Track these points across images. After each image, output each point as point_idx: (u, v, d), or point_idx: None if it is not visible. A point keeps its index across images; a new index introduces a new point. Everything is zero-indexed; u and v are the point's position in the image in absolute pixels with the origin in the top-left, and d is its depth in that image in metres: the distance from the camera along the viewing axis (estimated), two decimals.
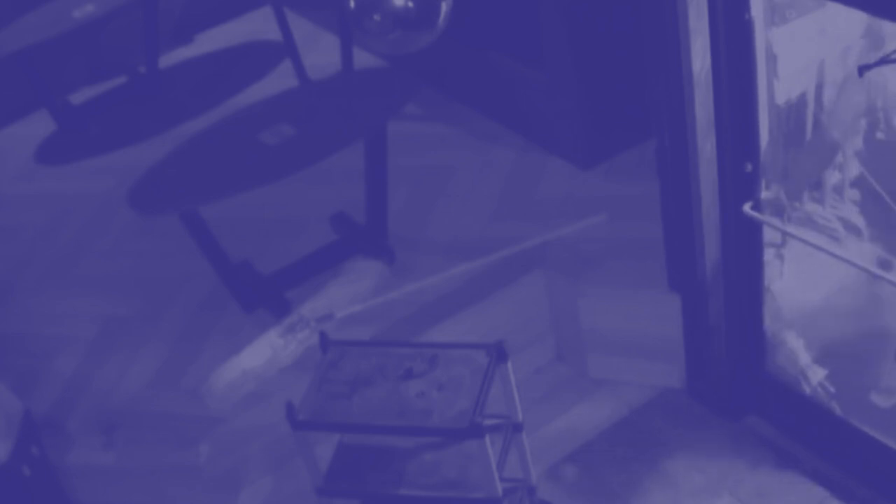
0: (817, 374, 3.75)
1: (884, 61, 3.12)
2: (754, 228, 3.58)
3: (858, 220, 3.51)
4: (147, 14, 5.51)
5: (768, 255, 3.66)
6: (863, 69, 3.13)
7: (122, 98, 5.81)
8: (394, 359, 3.33)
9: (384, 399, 3.23)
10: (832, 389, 3.71)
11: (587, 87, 4.54)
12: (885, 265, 3.39)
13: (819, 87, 3.37)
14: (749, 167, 3.45)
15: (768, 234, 3.61)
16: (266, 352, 4.03)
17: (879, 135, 3.40)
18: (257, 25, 6.14)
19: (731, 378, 3.92)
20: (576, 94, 4.56)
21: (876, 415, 3.63)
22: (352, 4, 4.15)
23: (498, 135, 4.99)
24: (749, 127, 3.39)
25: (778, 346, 3.79)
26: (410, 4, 4.06)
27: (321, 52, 5.64)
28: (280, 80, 5.44)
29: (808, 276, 3.68)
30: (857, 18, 3.19)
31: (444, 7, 4.09)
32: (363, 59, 5.27)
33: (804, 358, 3.76)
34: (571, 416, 4.15)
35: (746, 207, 3.50)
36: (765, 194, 3.51)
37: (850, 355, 3.72)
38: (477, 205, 4.65)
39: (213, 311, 4.40)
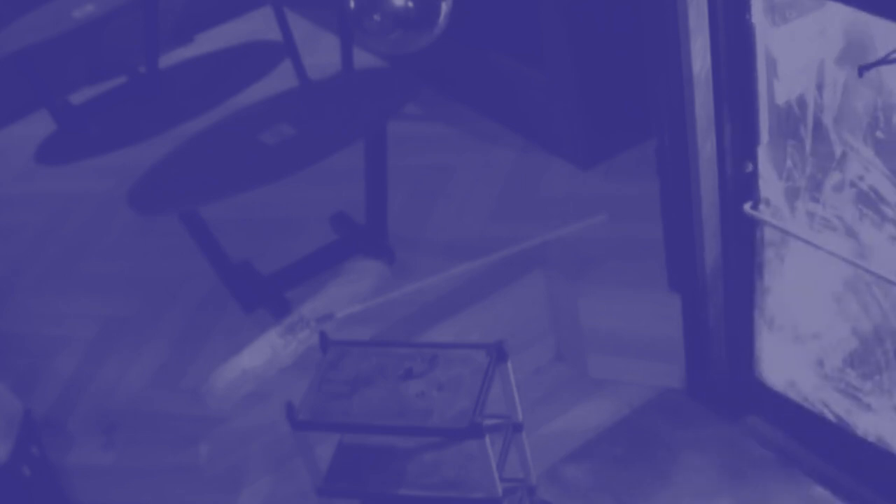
0: (817, 374, 3.74)
1: (884, 61, 3.11)
2: (754, 228, 3.58)
3: (858, 220, 3.51)
4: (147, 14, 5.50)
5: (768, 254, 3.66)
6: (863, 69, 3.12)
7: (122, 98, 5.80)
8: (394, 359, 3.33)
9: (384, 399, 3.23)
10: (832, 389, 3.70)
11: (587, 87, 4.54)
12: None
13: (819, 87, 3.37)
14: (749, 167, 3.45)
15: (768, 234, 3.61)
16: (266, 352, 4.03)
17: (879, 134, 3.39)
18: (257, 25, 6.13)
19: (731, 378, 3.91)
20: (576, 94, 4.56)
21: (876, 415, 3.63)
22: (352, 4, 4.14)
23: (498, 135, 4.99)
24: (749, 127, 3.39)
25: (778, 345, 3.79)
26: (410, 4, 4.05)
27: (321, 52, 5.63)
28: (280, 80, 5.43)
29: (809, 276, 3.68)
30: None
31: (444, 7, 4.08)
32: (363, 59, 5.27)
33: (804, 358, 3.76)
34: (571, 416, 4.15)
35: (746, 207, 3.50)
36: (765, 194, 3.51)
37: (850, 355, 3.72)
38: (477, 205, 4.65)
39: (213, 311, 4.40)
